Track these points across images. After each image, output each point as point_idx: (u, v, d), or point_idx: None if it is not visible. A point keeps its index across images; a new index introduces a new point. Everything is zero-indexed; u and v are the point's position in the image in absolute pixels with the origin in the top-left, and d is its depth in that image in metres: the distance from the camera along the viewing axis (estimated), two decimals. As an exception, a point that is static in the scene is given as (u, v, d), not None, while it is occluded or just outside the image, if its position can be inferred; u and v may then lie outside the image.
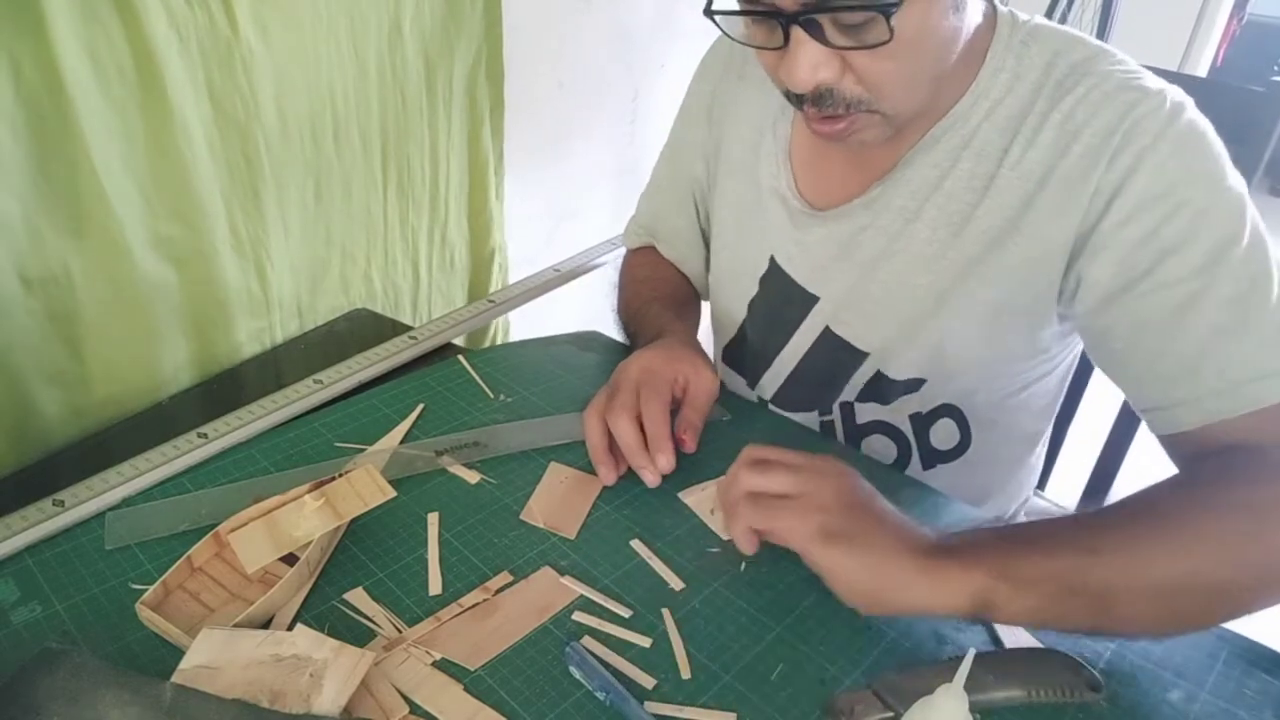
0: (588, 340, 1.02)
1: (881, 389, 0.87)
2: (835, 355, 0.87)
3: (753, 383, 0.96)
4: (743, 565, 0.70)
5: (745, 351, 0.96)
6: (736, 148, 0.92)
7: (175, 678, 0.55)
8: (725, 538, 0.72)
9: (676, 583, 0.68)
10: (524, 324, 1.44)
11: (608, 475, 0.77)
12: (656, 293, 1.01)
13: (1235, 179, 0.69)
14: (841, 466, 0.67)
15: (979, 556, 0.59)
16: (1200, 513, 0.60)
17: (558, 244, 1.44)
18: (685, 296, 1.03)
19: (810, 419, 0.93)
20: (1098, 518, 0.62)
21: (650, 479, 0.76)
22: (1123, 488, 1.12)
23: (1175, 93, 0.70)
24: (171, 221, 0.89)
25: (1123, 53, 0.74)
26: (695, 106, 0.98)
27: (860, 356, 0.86)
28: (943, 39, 0.67)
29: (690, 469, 0.78)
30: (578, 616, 0.65)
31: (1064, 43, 0.74)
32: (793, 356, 0.91)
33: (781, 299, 0.89)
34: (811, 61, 0.66)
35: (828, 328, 0.87)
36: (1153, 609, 0.59)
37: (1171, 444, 0.72)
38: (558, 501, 0.76)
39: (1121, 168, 0.69)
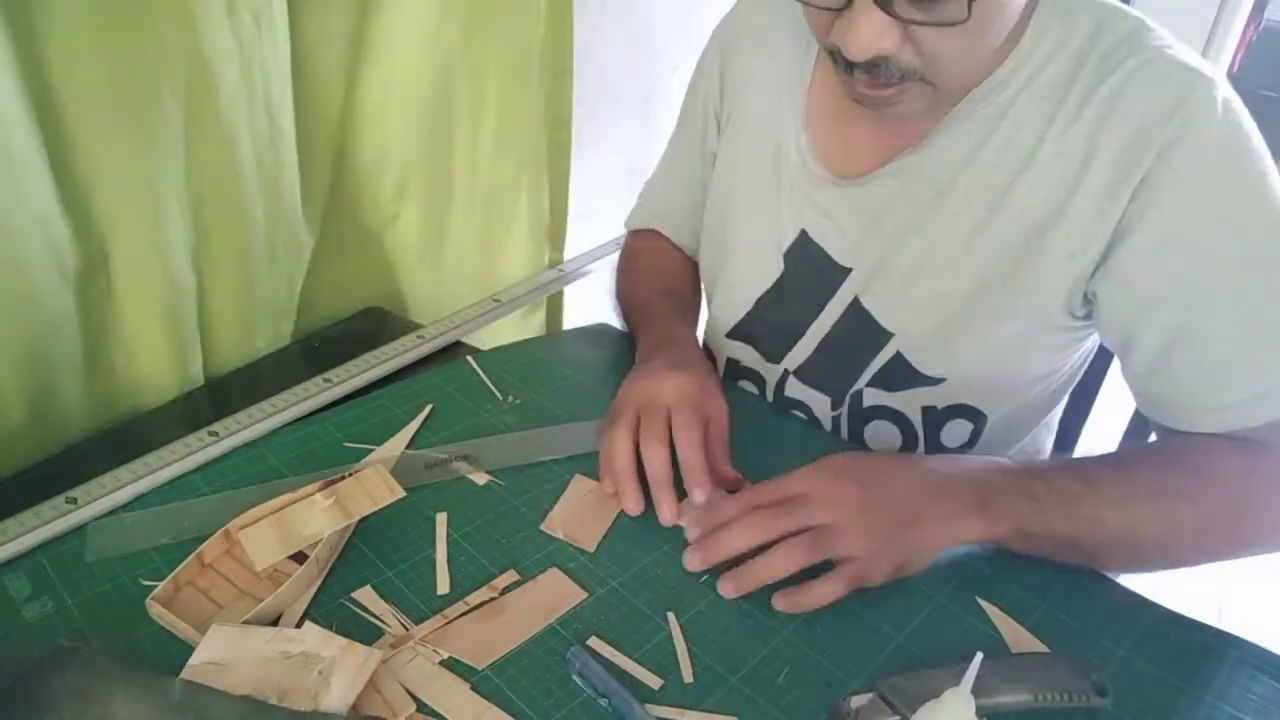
0: (597, 335, 1.02)
1: (899, 375, 0.84)
2: (859, 330, 0.85)
3: (777, 357, 0.93)
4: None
5: (767, 326, 0.93)
6: (752, 118, 0.90)
7: (184, 674, 0.56)
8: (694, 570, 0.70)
9: (683, 585, 0.68)
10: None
11: (635, 505, 0.74)
12: (663, 285, 0.99)
13: (1274, 178, 0.69)
14: (836, 467, 0.68)
15: (1004, 513, 0.67)
16: (1185, 505, 0.68)
17: (569, 245, 1.44)
18: (690, 295, 1.01)
19: (823, 405, 0.91)
20: (1108, 486, 0.68)
21: (668, 517, 0.73)
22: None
23: (1223, 80, 0.69)
24: (208, 229, 0.90)
25: (1161, 27, 0.72)
26: (708, 74, 0.96)
27: (884, 336, 0.83)
28: (1009, 16, 0.67)
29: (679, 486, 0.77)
30: (584, 617, 0.65)
31: (1108, 13, 0.72)
32: (823, 327, 0.88)
33: (813, 271, 0.87)
34: (875, 30, 0.63)
35: (856, 299, 0.84)
36: (1127, 562, 0.72)
37: (1164, 427, 0.76)
38: (579, 514, 0.75)
39: (1178, 163, 0.67)
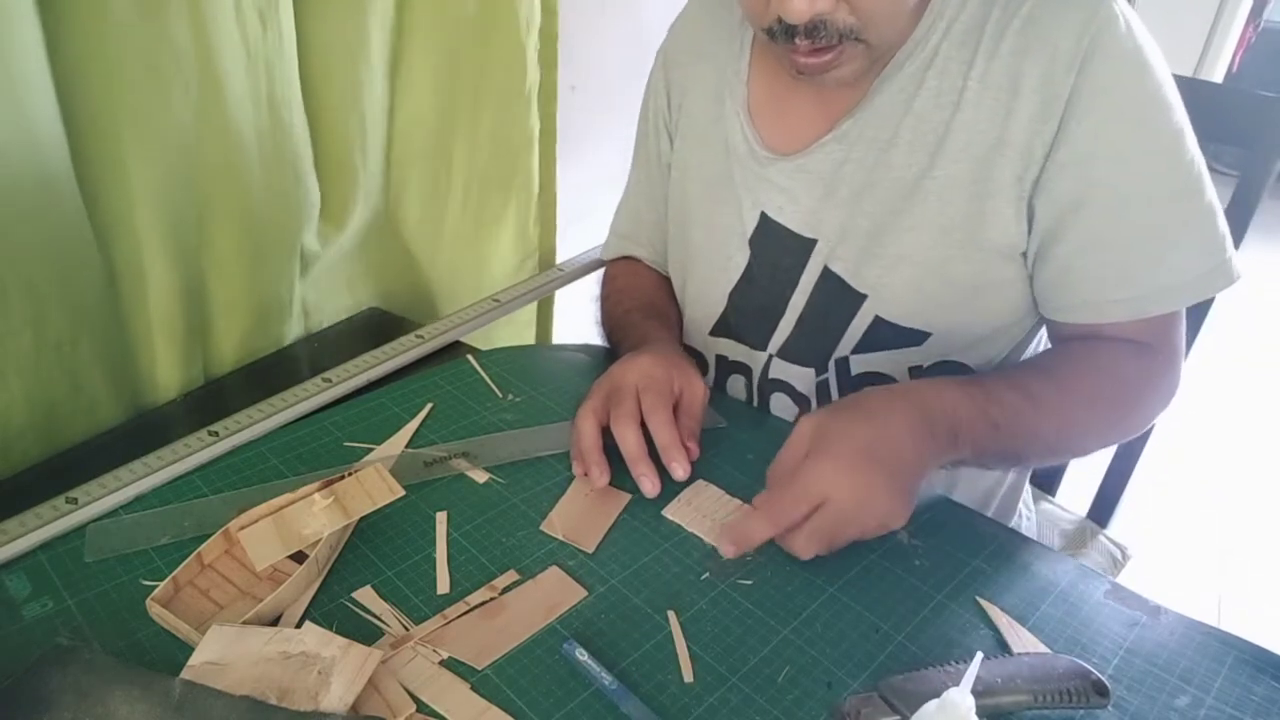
0: (595, 351, 1.02)
1: (882, 337, 0.86)
2: (833, 296, 0.86)
3: (762, 344, 0.94)
4: (749, 571, 0.70)
5: (745, 317, 0.94)
6: (698, 122, 0.94)
7: (184, 674, 0.56)
8: (719, 548, 0.71)
9: (683, 584, 0.68)
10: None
11: (602, 478, 0.76)
12: (637, 301, 1.01)
13: (1174, 90, 0.74)
14: (838, 453, 0.66)
15: (969, 440, 0.71)
16: (1102, 408, 0.77)
17: (569, 246, 1.44)
18: (665, 304, 1.02)
19: (807, 377, 0.91)
20: (1045, 399, 0.74)
21: (650, 488, 0.75)
22: (1133, 497, 1.13)
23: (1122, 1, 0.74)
24: (213, 230, 0.90)
25: None
26: (656, 93, 1.01)
27: (858, 299, 0.85)
28: None
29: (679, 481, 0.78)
30: (584, 616, 0.65)
31: None
32: (800, 303, 0.89)
33: (780, 250, 0.89)
34: None
35: (826, 266, 0.86)
36: (1047, 460, 0.82)
37: (1063, 327, 0.81)
38: (579, 514, 0.75)
39: (1093, 76, 0.72)
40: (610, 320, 1.02)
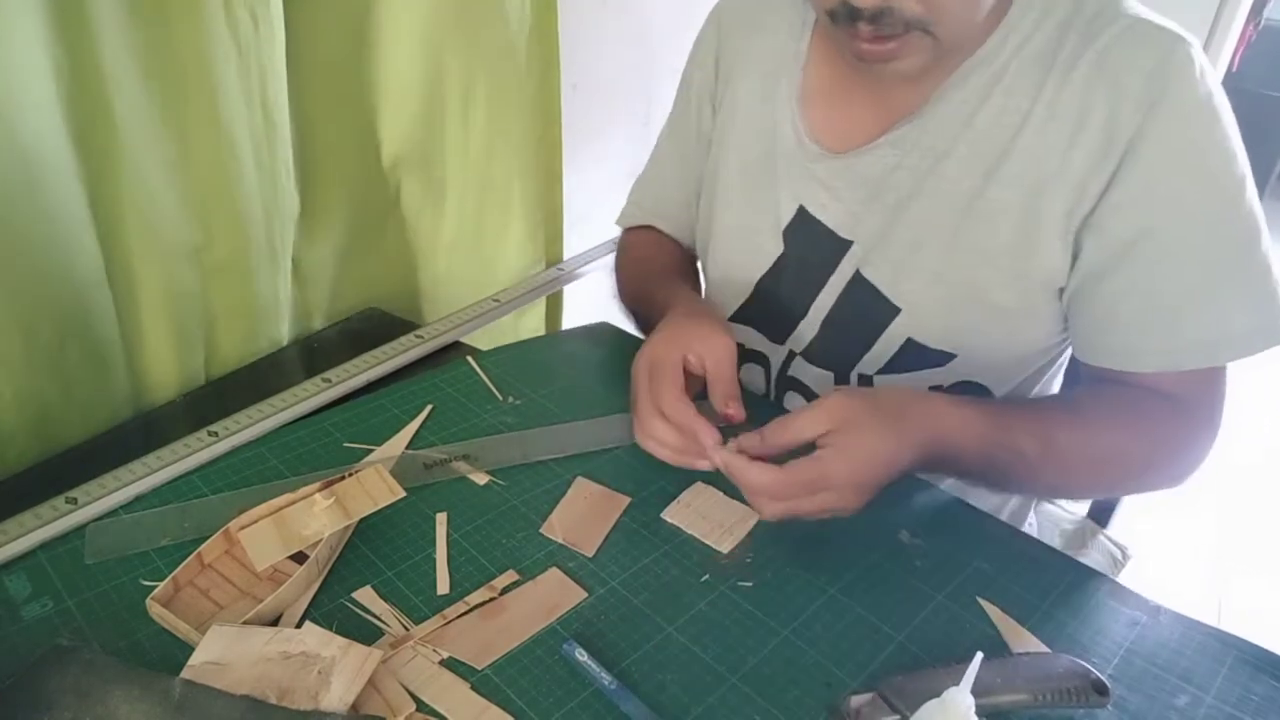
0: (598, 334, 1.02)
1: (910, 359, 0.84)
2: (865, 303, 0.85)
3: (781, 337, 0.93)
4: (749, 573, 0.70)
5: (770, 308, 0.93)
6: (743, 101, 0.91)
7: (184, 674, 0.56)
8: (724, 550, 0.72)
9: (683, 585, 0.69)
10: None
11: (706, 462, 0.72)
12: (654, 268, 1.00)
13: (1239, 139, 0.72)
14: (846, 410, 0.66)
15: (951, 464, 0.70)
16: (1123, 461, 0.74)
17: (570, 246, 1.44)
18: (686, 269, 1.01)
19: (826, 380, 0.90)
20: (1057, 448, 0.72)
21: (706, 465, 0.72)
22: (1133, 497, 1.12)
23: (1197, 43, 0.72)
24: (209, 230, 0.90)
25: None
26: (702, 64, 0.97)
27: (891, 311, 0.83)
28: None
29: (681, 480, 0.78)
30: (584, 617, 0.65)
31: None
32: (825, 305, 0.88)
33: (812, 247, 0.87)
34: None
35: (858, 271, 0.85)
36: (1081, 489, 0.82)
37: (1097, 370, 0.78)
38: (579, 518, 0.75)
39: (1161, 119, 0.70)
40: (630, 293, 1.01)
